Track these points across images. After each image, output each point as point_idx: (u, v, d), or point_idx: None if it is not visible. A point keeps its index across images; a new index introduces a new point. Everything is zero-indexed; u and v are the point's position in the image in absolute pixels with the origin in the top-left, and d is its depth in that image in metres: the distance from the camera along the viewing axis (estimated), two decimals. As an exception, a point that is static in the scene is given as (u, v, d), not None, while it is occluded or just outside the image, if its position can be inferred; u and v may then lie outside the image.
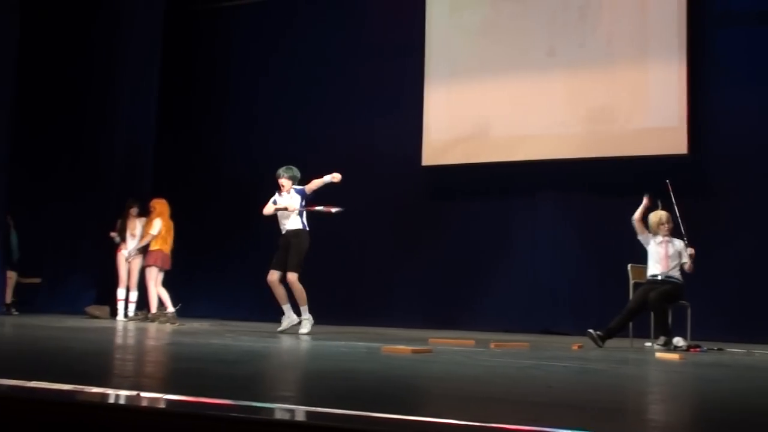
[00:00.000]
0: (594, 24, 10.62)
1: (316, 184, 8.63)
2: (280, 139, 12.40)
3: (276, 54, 12.77)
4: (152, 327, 9.13)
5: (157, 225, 10.48)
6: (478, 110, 11.05)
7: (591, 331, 7.54)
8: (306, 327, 8.34)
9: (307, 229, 8.66)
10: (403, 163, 11.56)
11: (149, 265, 10.43)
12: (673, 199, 7.97)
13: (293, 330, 8.35)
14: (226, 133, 12.98)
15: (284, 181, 8.70)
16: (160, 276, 10.45)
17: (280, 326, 8.47)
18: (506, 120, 10.88)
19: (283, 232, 8.59)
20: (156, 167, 12.41)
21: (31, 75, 11.93)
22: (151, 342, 6.75)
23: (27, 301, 11.68)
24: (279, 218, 8.62)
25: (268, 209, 8.68)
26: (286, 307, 8.47)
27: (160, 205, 10.64)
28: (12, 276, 11.44)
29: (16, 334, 7.33)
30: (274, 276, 8.45)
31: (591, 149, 10.41)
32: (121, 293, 10.72)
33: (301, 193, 8.65)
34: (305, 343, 7.05)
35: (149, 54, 12.46)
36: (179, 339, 6.95)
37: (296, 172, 8.80)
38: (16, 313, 11.12)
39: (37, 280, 11.99)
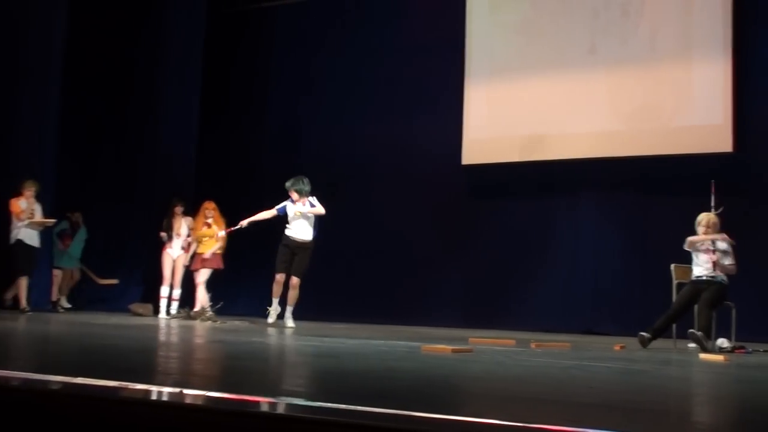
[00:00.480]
0: (636, 21, 10.51)
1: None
2: (320, 139, 12.47)
3: (316, 53, 12.83)
4: (194, 325, 9.23)
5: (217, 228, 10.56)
6: (518, 108, 11.00)
7: (643, 333, 7.44)
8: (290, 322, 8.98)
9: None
10: (443, 162, 11.54)
11: (206, 268, 10.54)
12: (712, 201, 7.85)
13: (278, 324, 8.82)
14: (267, 132, 13.08)
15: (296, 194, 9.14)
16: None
17: (269, 319, 8.99)
18: (547, 118, 10.81)
19: (294, 237, 9.01)
20: (198, 166, 12.54)
21: (78, 76, 12.10)
22: (193, 339, 6.83)
23: (74, 299, 11.86)
24: (291, 222, 9.11)
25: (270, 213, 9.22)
26: (276, 300, 9.08)
27: (214, 206, 10.69)
28: (58, 274, 11.61)
29: (62, 331, 7.46)
30: (284, 278, 9.03)
31: (634, 147, 10.31)
32: (164, 291, 10.86)
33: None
34: (345, 342, 7.07)
35: (191, 55, 12.61)
36: (222, 337, 7.02)
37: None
38: (62, 310, 11.30)
39: (114, 281, 11.97)
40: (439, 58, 11.77)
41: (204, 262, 10.61)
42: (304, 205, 9.09)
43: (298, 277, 8.99)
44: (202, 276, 10.57)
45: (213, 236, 10.56)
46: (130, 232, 12.29)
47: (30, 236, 10.21)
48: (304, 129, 12.71)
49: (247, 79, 13.33)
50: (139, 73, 12.67)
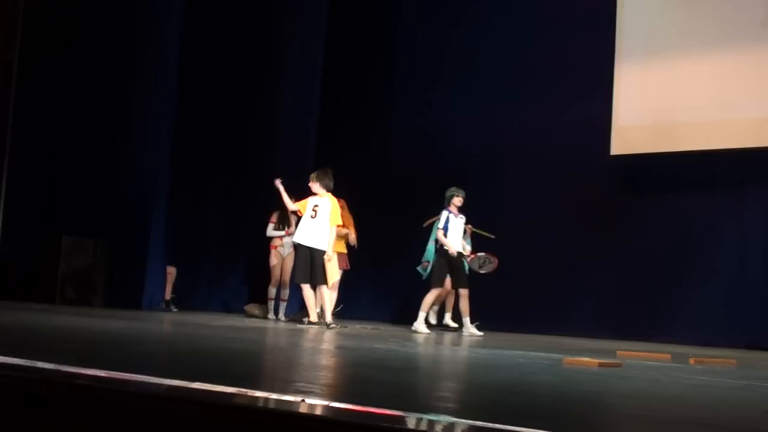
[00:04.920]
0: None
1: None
2: (452, 127, 12.46)
3: (449, 34, 12.84)
4: (310, 329, 9.39)
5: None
6: (677, 91, 10.70)
7: None
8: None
9: None
10: (588, 153, 11.36)
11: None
12: None
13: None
14: (393, 122, 13.16)
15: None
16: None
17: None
18: (710, 102, 10.48)
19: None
20: (318, 158, 12.75)
21: (196, 64, 12.52)
22: (312, 345, 6.95)
23: (183, 299, 12.27)
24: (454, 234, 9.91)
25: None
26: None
27: (344, 204, 10.77)
28: (172, 271, 12.04)
29: (174, 332, 7.74)
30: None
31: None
32: (272, 292, 11.11)
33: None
34: (477, 351, 7.05)
35: (313, 37, 12.78)
36: (343, 343, 7.12)
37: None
38: (175, 310, 11.71)
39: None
40: (585, 35, 11.56)
41: (342, 266, 10.75)
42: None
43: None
44: (338, 277, 10.69)
45: (344, 236, 10.70)
46: (240, 230, 12.62)
47: None
48: (433, 116, 12.72)
49: (372, 60, 13.46)
50: (258, 59, 12.94)
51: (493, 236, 10.59)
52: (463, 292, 9.83)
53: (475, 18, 12.64)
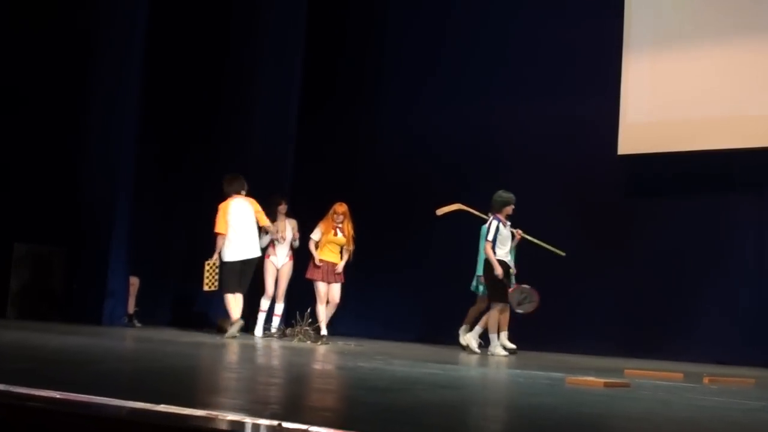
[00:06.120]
0: None
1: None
2: (446, 126, 12.43)
3: (443, 25, 12.83)
4: (294, 346, 9.38)
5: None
6: (690, 85, 10.75)
7: None
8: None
9: None
10: (594, 152, 11.39)
11: (338, 282, 10.72)
12: None
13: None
14: (381, 121, 13.08)
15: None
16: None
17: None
18: (726, 97, 10.52)
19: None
20: (298, 158, 12.75)
21: (163, 59, 12.49)
22: (291, 363, 6.95)
23: (148, 313, 12.19)
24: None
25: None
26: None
27: (345, 209, 10.77)
28: (135, 282, 11.94)
29: (138, 349, 7.72)
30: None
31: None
32: (264, 304, 11.01)
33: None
34: (470, 370, 7.06)
35: (293, 30, 12.76)
36: (325, 361, 7.12)
37: None
38: (139, 325, 11.66)
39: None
40: (590, 25, 11.59)
41: (338, 276, 10.71)
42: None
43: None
44: (338, 291, 10.67)
45: (344, 244, 10.68)
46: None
47: None
48: (424, 114, 12.70)
49: (357, 53, 13.43)
50: (232, 55, 12.94)
51: (563, 253, 10.18)
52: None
53: (471, 8, 12.66)
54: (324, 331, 10.36)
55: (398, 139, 12.89)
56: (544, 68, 11.92)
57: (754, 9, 10.49)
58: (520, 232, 9.83)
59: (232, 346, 8.76)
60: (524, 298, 9.45)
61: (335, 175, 12.82)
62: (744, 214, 10.67)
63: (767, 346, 10.15)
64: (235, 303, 10.13)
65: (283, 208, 11.00)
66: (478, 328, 9.60)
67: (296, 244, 11.00)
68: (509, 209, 9.57)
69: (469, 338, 9.67)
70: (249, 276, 10.36)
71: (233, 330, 9.93)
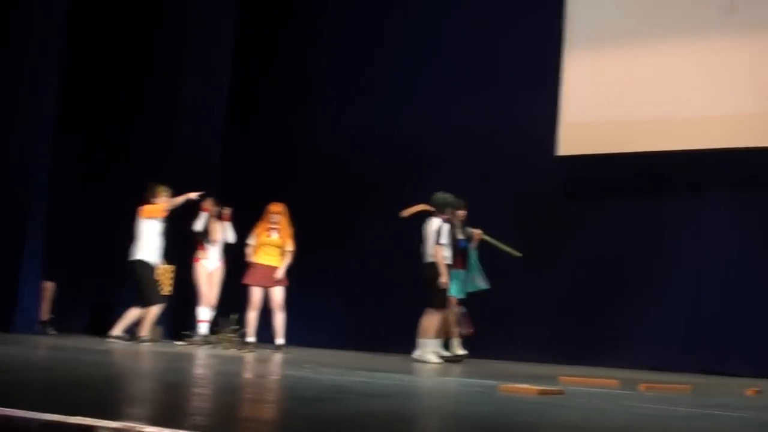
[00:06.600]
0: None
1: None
2: (380, 126, 12.42)
3: (377, 21, 12.86)
4: (218, 354, 9.33)
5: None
6: (631, 86, 10.89)
7: None
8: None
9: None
10: (532, 152, 11.49)
11: (280, 286, 10.58)
12: None
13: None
14: (313, 123, 13.04)
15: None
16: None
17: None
18: (668, 98, 10.67)
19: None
20: (225, 162, 12.67)
21: (83, 60, 12.34)
22: (219, 372, 6.90)
23: (64, 320, 12.00)
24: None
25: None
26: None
27: (281, 210, 10.66)
28: (50, 287, 11.76)
29: (52, 358, 7.60)
30: None
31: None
32: (205, 313, 10.84)
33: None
34: (401, 378, 7.08)
35: (221, 31, 12.76)
36: (251, 369, 7.08)
37: None
38: (54, 332, 11.48)
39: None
40: (529, 19, 11.68)
41: (279, 281, 10.55)
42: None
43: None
44: (280, 295, 10.52)
45: (280, 246, 10.50)
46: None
47: None
48: (359, 112, 12.68)
49: (288, 50, 13.38)
50: (158, 55, 12.83)
51: (520, 254, 10.34)
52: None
53: (405, 4, 12.69)
54: (252, 338, 10.26)
55: (332, 140, 12.86)
56: (481, 67, 12.00)
57: (697, 7, 10.65)
58: (479, 232, 9.95)
59: (151, 354, 8.66)
60: None
61: (268, 179, 12.76)
62: (683, 217, 10.84)
63: (703, 353, 10.33)
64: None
65: (214, 210, 10.91)
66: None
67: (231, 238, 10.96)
68: (461, 214, 9.73)
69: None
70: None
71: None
